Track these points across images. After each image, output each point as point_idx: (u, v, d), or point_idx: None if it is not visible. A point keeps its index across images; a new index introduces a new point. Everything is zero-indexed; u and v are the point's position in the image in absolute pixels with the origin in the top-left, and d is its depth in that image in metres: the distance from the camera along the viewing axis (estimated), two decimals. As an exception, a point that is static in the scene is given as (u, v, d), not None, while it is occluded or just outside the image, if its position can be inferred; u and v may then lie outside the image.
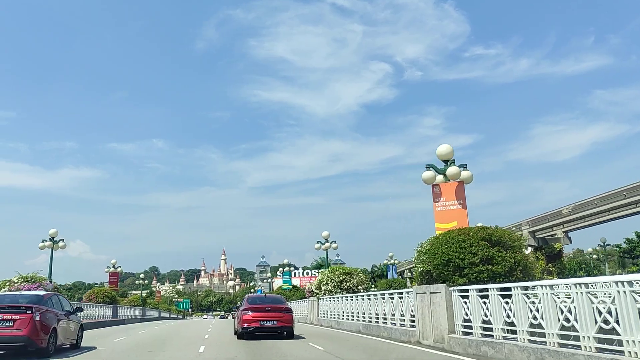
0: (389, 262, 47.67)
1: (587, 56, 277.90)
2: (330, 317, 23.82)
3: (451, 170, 13.32)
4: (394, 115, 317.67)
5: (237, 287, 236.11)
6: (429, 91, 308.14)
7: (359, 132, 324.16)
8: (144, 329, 26.43)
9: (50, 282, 26.26)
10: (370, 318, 17.39)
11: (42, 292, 13.92)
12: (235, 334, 17.13)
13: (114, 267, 42.57)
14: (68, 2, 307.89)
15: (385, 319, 15.87)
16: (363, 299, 18.61)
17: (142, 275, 59.48)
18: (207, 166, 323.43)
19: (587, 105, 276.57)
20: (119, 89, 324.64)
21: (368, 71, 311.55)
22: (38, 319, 11.04)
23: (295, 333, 16.20)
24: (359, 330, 18.29)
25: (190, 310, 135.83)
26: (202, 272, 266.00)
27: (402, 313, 14.49)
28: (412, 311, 13.52)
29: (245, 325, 15.30)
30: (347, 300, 21.01)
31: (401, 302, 14.58)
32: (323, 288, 26.60)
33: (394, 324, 14.96)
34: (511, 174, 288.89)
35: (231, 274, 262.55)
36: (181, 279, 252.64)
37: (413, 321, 13.30)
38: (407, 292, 14.25)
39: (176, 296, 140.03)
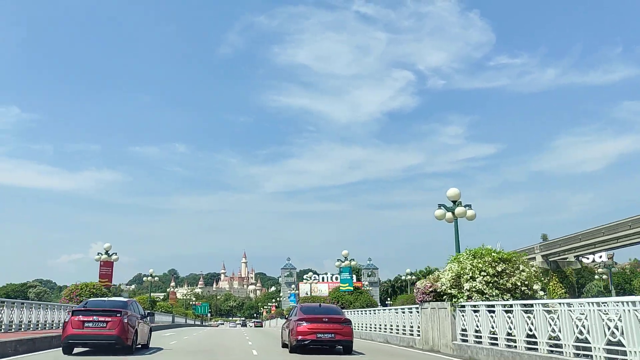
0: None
1: (615, 66, 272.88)
2: (517, 348, 11.28)
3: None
4: (416, 123, 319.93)
5: (258, 292, 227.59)
6: (452, 100, 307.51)
7: (380, 140, 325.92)
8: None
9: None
10: None
11: (125, 299, 15.69)
12: (283, 346, 16.33)
13: (107, 253, 30.68)
14: (93, 5, 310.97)
15: None
16: None
17: (150, 270, 47.39)
18: (227, 170, 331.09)
19: (614, 116, 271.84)
20: (144, 92, 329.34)
21: (390, 79, 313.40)
22: (125, 321, 12.95)
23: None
24: None
25: (209, 315, 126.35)
26: (222, 276, 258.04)
27: None
28: None
29: (300, 337, 13.85)
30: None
31: None
32: (467, 286, 14.21)
33: None
34: (535, 184, 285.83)
35: (252, 278, 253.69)
36: (200, 282, 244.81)
37: None
38: None
39: (194, 299, 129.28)
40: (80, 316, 12.69)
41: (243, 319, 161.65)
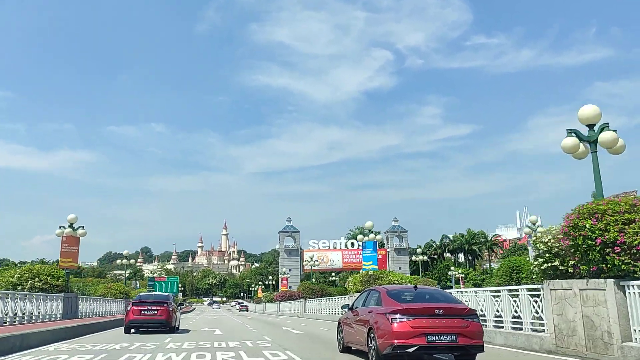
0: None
1: (589, 48, 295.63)
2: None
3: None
4: (394, 104, 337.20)
5: (242, 268, 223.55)
6: (430, 80, 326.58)
7: (359, 120, 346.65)
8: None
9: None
10: None
11: (166, 293, 26.28)
12: (344, 351, 11.81)
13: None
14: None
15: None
16: None
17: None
18: (206, 151, 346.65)
19: (587, 97, 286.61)
20: (120, 71, 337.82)
21: (369, 58, 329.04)
22: (170, 309, 19.57)
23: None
24: None
25: (180, 295, 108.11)
26: (199, 250, 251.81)
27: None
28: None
29: (397, 342, 8.94)
30: None
31: None
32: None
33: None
34: (510, 165, 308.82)
35: (234, 252, 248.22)
36: (173, 257, 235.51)
37: None
38: None
39: (163, 276, 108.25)
40: (139, 306, 19.19)
41: (224, 298, 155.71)
